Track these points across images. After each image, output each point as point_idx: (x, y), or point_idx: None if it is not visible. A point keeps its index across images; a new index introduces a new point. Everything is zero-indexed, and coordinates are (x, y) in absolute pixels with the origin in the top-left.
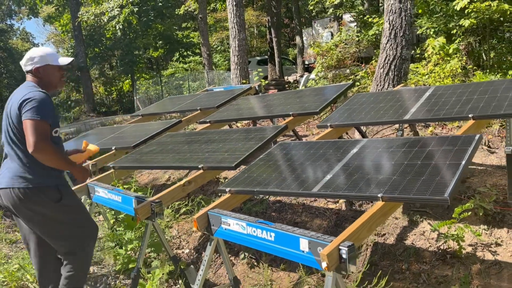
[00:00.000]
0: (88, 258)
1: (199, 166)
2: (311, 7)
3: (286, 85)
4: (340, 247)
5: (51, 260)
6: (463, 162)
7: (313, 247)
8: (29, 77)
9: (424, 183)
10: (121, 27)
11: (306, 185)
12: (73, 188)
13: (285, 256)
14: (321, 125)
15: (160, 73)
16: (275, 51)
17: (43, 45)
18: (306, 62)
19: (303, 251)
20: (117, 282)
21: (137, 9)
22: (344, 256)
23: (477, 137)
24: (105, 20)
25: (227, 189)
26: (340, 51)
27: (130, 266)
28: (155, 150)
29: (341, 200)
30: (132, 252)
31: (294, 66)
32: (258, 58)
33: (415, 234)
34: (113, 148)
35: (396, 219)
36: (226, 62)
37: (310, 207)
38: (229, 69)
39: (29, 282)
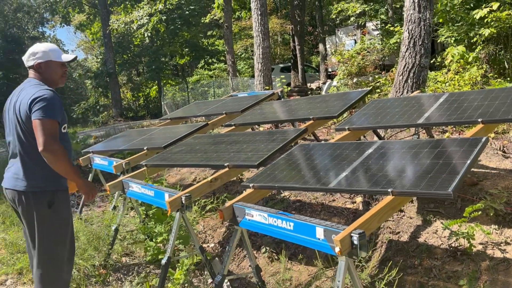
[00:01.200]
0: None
1: (225, 165)
2: (334, 16)
3: (309, 92)
4: (352, 234)
5: None
6: (468, 161)
7: (327, 235)
8: (31, 73)
9: (431, 179)
10: (149, 34)
11: (324, 181)
12: (108, 184)
13: (302, 243)
14: (339, 128)
15: (186, 79)
16: (298, 58)
17: (73, 52)
18: (329, 70)
19: (319, 239)
20: (147, 271)
21: (165, 17)
22: (355, 242)
23: (483, 139)
24: (134, 28)
25: (251, 185)
26: (362, 59)
27: (160, 257)
28: (184, 150)
29: (358, 200)
30: (161, 244)
31: (317, 73)
32: (282, 65)
33: (428, 233)
34: (144, 148)
35: (410, 218)
36: (250, 69)
37: (328, 207)
38: (252, 76)
39: None
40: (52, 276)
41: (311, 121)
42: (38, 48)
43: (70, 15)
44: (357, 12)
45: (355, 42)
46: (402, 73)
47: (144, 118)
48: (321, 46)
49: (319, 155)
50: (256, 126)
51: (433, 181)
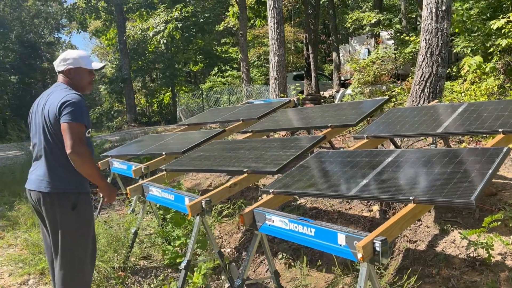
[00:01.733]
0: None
1: (244, 170)
2: (349, 25)
3: (322, 100)
4: (374, 240)
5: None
6: (490, 171)
7: (349, 241)
8: (60, 77)
9: (452, 188)
10: (165, 41)
11: (344, 188)
12: (129, 188)
13: (323, 249)
14: (358, 136)
15: (199, 86)
16: (312, 66)
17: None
18: (342, 78)
19: (340, 245)
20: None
21: (180, 24)
22: (377, 248)
23: (505, 149)
24: (150, 34)
25: (271, 190)
26: (377, 68)
27: (177, 260)
28: (202, 156)
29: (375, 209)
30: (179, 248)
31: (330, 81)
32: (295, 73)
33: (445, 242)
34: (163, 153)
35: (427, 227)
36: (263, 77)
37: (345, 214)
38: (265, 84)
39: None
40: (73, 277)
41: (329, 129)
42: (70, 54)
43: (87, 21)
44: (372, 21)
45: (369, 51)
46: (419, 82)
47: (158, 124)
48: (334, 55)
49: (338, 162)
50: (272, 133)
51: (455, 190)
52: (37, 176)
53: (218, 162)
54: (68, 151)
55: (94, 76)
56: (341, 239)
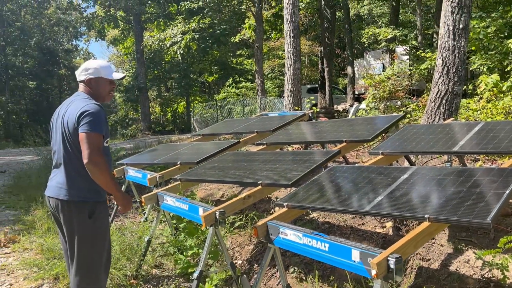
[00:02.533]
0: None
1: (258, 183)
2: (365, 39)
3: (336, 114)
4: (388, 258)
5: None
6: (507, 192)
7: (363, 257)
8: (81, 86)
9: (468, 207)
10: (181, 52)
11: (359, 204)
12: (144, 196)
13: (336, 265)
14: (373, 152)
15: (213, 97)
16: (326, 80)
17: None
18: (356, 92)
19: (354, 261)
20: (176, 284)
21: (197, 36)
22: (392, 266)
23: None
24: (168, 45)
25: (285, 204)
26: (392, 84)
27: (189, 270)
28: (217, 167)
29: (388, 225)
30: (191, 258)
31: (343, 95)
32: (309, 86)
33: (459, 261)
34: (178, 163)
35: (441, 246)
36: (276, 89)
37: (358, 230)
38: (278, 96)
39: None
40: (88, 284)
41: (344, 144)
42: (91, 64)
43: (105, 30)
44: (388, 37)
45: (384, 66)
46: (435, 99)
47: (171, 133)
48: (349, 69)
49: (353, 178)
50: (286, 146)
51: (471, 210)
52: (56, 183)
53: (232, 173)
54: (85, 161)
55: (114, 86)
56: (355, 255)
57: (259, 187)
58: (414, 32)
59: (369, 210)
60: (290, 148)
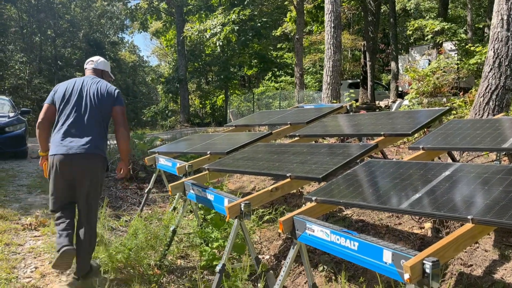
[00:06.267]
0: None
1: (287, 175)
2: (410, 32)
3: (377, 110)
4: (424, 261)
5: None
6: None
7: (396, 259)
8: (97, 73)
9: None
10: (220, 43)
11: (394, 201)
12: (171, 185)
13: (366, 266)
14: (413, 147)
15: (252, 90)
16: (368, 75)
17: (148, 58)
18: (400, 89)
19: (385, 262)
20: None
21: (237, 27)
22: (427, 270)
23: None
24: (207, 36)
25: (313, 198)
26: (437, 78)
27: (214, 263)
28: (246, 157)
29: (427, 226)
30: (216, 250)
31: (386, 91)
32: (350, 81)
33: (505, 269)
34: (208, 153)
35: (485, 251)
36: (317, 83)
37: (394, 230)
38: (319, 90)
39: (124, 262)
40: (95, 216)
41: (382, 137)
42: (106, 61)
43: (148, 22)
44: (436, 29)
45: (429, 62)
46: (484, 94)
47: (209, 125)
48: (393, 64)
49: (390, 173)
50: (320, 139)
51: None
52: (79, 142)
53: (262, 164)
54: (121, 128)
55: (111, 79)
56: (387, 256)
57: (288, 179)
58: (464, 28)
59: (405, 208)
60: (325, 142)
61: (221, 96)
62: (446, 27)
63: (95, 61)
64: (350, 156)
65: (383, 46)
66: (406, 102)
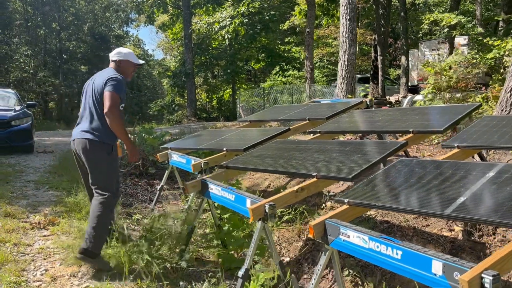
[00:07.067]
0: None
1: (313, 174)
2: (425, 26)
3: (388, 105)
4: (483, 275)
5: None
6: None
7: (448, 271)
8: (112, 64)
9: None
10: (229, 36)
11: (436, 205)
12: (187, 183)
13: (411, 277)
14: (447, 145)
15: (259, 84)
16: (379, 69)
17: (153, 51)
18: (409, 84)
19: (435, 274)
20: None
21: (246, 20)
22: (487, 286)
23: None
24: (216, 29)
25: (346, 200)
26: (461, 72)
27: (232, 265)
28: (265, 155)
29: (457, 228)
30: (234, 252)
31: (395, 86)
32: (359, 75)
33: None
34: (224, 149)
35: None
36: (324, 78)
37: (421, 232)
38: (327, 85)
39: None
40: (103, 190)
41: (410, 135)
42: (123, 50)
43: (154, 15)
44: (453, 23)
45: (439, 57)
46: (511, 90)
47: (216, 120)
48: (403, 59)
49: (426, 174)
50: (341, 135)
51: None
52: (81, 129)
53: (283, 163)
54: (105, 110)
55: (136, 68)
56: (437, 267)
57: (314, 179)
58: (473, 22)
59: (450, 213)
60: (339, 138)
61: (228, 90)
62: (463, 20)
63: (114, 53)
64: (380, 155)
65: (391, 41)
66: (418, 97)
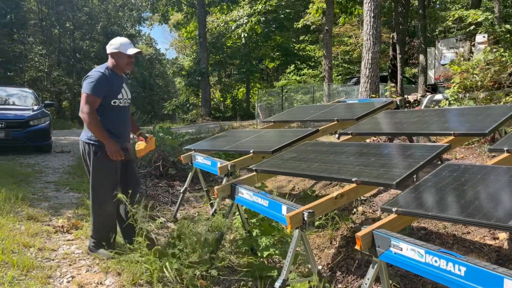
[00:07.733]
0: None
1: (353, 180)
2: (450, 23)
3: (407, 105)
4: None
5: None
6: None
7: None
8: (109, 58)
9: None
10: (246, 34)
11: (497, 216)
12: (216, 187)
13: None
14: (494, 149)
15: (273, 83)
16: (398, 68)
17: (166, 50)
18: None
19: None
20: None
21: (263, 18)
22: None
23: None
24: (233, 27)
25: (394, 209)
26: (496, 71)
27: (263, 273)
28: (296, 158)
29: (501, 236)
30: (266, 259)
31: (412, 85)
32: None
33: None
34: (251, 151)
35: None
36: (339, 77)
37: (462, 240)
38: (343, 83)
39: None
40: (94, 202)
41: (451, 137)
42: (114, 41)
43: (168, 13)
44: (479, 20)
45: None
46: None
47: (231, 119)
48: (421, 57)
49: (479, 180)
50: (372, 137)
51: None
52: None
53: (317, 167)
54: (80, 114)
55: (131, 59)
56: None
57: (354, 184)
58: (490, 20)
59: None
60: (367, 141)
61: (242, 89)
62: (489, 16)
63: (108, 46)
64: (424, 159)
65: (407, 39)
66: (439, 96)
